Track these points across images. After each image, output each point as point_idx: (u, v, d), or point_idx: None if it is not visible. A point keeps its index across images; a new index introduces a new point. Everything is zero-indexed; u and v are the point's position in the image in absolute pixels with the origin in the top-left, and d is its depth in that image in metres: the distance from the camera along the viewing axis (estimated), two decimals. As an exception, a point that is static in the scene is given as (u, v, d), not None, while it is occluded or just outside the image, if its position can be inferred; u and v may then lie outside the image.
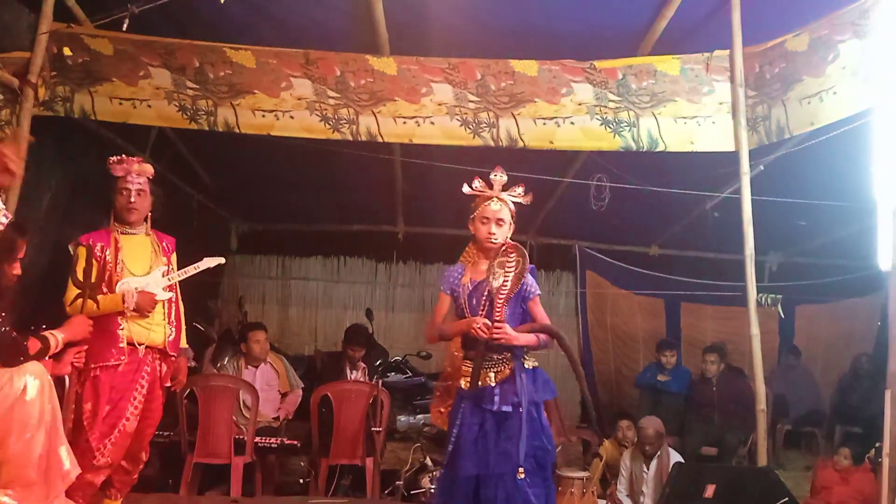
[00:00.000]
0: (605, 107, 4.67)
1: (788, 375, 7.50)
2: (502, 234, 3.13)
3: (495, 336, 2.99)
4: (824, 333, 7.94)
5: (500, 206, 3.13)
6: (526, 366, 3.09)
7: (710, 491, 4.48)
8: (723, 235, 5.79)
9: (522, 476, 2.93)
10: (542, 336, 3.10)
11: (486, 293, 3.09)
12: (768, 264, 7.81)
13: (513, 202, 3.17)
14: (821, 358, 7.97)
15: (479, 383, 3.07)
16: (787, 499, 4.30)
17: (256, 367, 5.66)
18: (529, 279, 3.12)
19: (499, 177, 3.20)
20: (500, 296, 3.04)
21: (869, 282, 6.19)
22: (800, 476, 5.84)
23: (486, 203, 3.16)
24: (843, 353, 7.54)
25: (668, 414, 6.45)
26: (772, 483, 4.44)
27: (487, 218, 3.14)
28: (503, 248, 3.12)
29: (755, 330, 4.61)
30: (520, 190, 3.21)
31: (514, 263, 3.06)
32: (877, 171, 3.99)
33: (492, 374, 3.08)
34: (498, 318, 3.01)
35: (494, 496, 2.97)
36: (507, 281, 3.05)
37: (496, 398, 3.03)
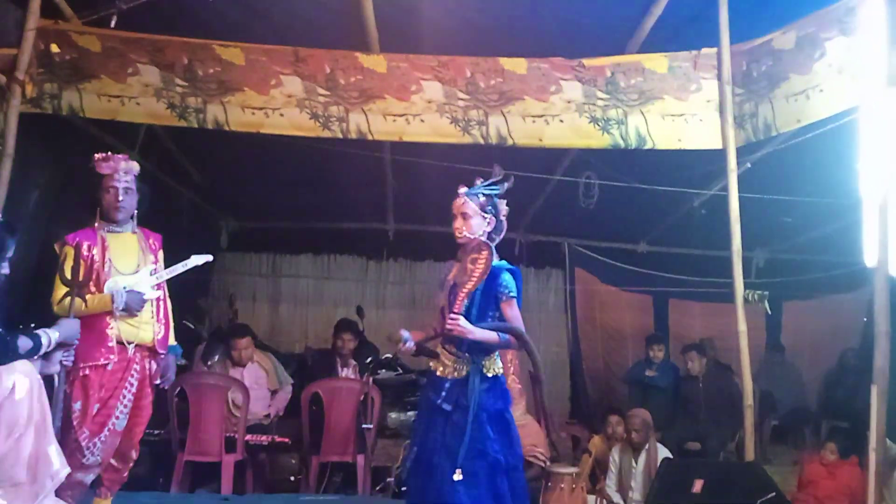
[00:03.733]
0: (594, 104, 4.70)
1: (775, 371, 7.56)
2: (470, 227, 3.16)
3: (448, 326, 3.03)
4: (811, 329, 7.99)
5: (462, 201, 3.19)
6: (486, 373, 3.11)
7: (698, 486, 4.52)
8: (710, 232, 5.83)
9: (459, 478, 2.95)
10: (505, 335, 3.10)
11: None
12: (755, 261, 7.85)
13: (483, 195, 3.19)
14: (807, 353, 8.02)
15: (438, 373, 3.15)
16: (774, 493, 4.35)
17: (243, 366, 5.66)
18: (504, 280, 3.12)
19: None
20: (463, 290, 3.11)
21: (855, 278, 6.25)
22: (787, 471, 5.87)
23: (454, 200, 3.23)
24: (830, 348, 7.59)
25: (656, 409, 6.48)
26: (759, 478, 4.48)
27: (454, 214, 3.21)
28: (477, 244, 3.15)
29: (742, 326, 4.65)
30: (479, 182, 3.22)
31: (483, 260, 3.11)
32: (862, 168, 4.03)
33: (451, 369, 3.12)
34: (455, 311, 3.06)
35: (433, 489, 3.02)
36: (472, 276, 3.10)
37: (443, 394, 3.09)
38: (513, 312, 3.14)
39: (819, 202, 5.70)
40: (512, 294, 3.13)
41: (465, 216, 3.18)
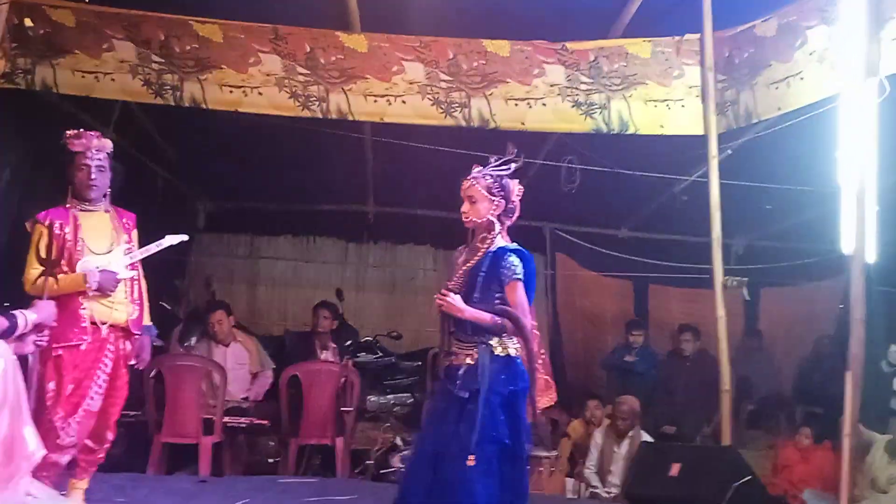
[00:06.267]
0: (577, 89, 4.69)
1: (752, 357, 7.63)
2: (478, 211, 3.07)
3: (438, 302, 2.98)
4: (788, 316, 8.07)
5: (469, 184, 3.09)
6: (497, 352, 3.00)
7: (675, 469, 4.57)
8: (691, 218, 5.86)
9: (472, 464, 2.85)
10: (498, 318, 2.98)
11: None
12: (734, 247, 7.88)
13: (490, 176, 3.08)
14: (784, 340, 8.09)
15: (451, 361, 3.07)
16: (749, 477, 4.40)
17: (227, 346, 5.62)
18: (508, 261, 3.02)
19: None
20: (462, 268, 3.06)
21: (832, 265, 6.29)
22: (762, 455, 5.94)
23: (462, 183, 3.13)
24: (806, 335, 7.66)
25: (634, 394, 6.54)
26: (735, 462, 4.54)
27: (462, 197, 3.12)
28: (487, 225, 3.07)
29: (721, 312, 4.69)
30: (493, 161, 3.11)
31: (490, 239, 3.05)
32: (841, 157, 4.06)
33: (463, 356, 3.04)
34: (448, 288, 3.01)
35: (444, 478, 2.92)
36: (474, 257, 3.05)
37: (458, 382, 3.00)
38: (516, 296, 3.01)
39: (798, 190, 5.73)
40: (516, 276, 3.01)
41: (471, 200, 3.08)
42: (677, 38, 4.71)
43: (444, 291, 3.01)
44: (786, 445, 5.66)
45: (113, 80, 4.58)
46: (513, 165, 3.11)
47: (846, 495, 3.81)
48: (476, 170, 3.14)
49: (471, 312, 2.99)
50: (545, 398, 5.23)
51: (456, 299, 2.99)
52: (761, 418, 7.34)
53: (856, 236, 3.83)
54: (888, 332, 5.70)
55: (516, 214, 3.16)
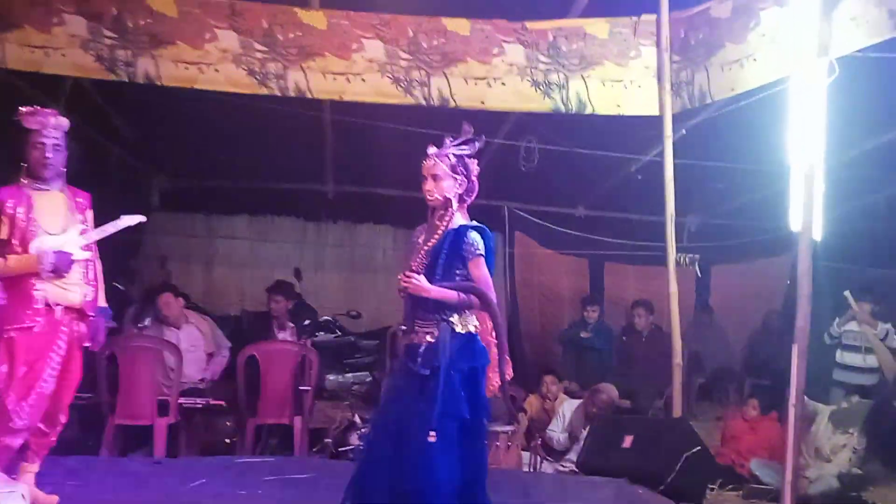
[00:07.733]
0: (536, 68, 4.72)
1: (703, 332, 7.83)
2: (442, 189, 3.06)
3: (403, 284, 2.99)
4: (737, 292, 8.27)
5: (433, 162, 3.08)
6: (458, 330, 3.04)
7: (628, 441, 4.69)
8: (646, 197, 5.95)
9: (433, 440, 2.88)
10: (464, 295, 3.01)
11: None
12: (687, 226, 8.05)
13: (454, 155, 3.08)
14: (734, 315, 8.30)
15: (411, 339, 3.08)
16: (699, 447, 4.54)
17: (178, 328, 5.54)
18: (471, 238, 3.04)
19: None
20: (425, 247, 3.06)
21: (780, 243, 6.47)
22: (711, 426, 6.13)
23: (424, 161, 3.12)
24: (755, 310, 7.88)
25: (589, 368, 6.68)
26: (686, 433, 4.68)
27: (424, 175, 3.11)
28: (444, 203, 3.07)
29: (673, 288, 4.80)
30: (448, 141, 3.11)
31: (448, 217, 3.05)
32: (791, 137, 4.17)
33: (423, 334, 3.05)
34: (412, 269, 3.01)
35: (405, 454, 2.95)
36: (437, 233, 3.06)
37: (419, 359, 3.01)
38: (479, 272, 3.04)
39: (749, 169, 5.87)
40: (479, 252, 3.04)
41: (435, 178, 3.06)
42: (634, 18, 4.75)
43: (407, 273, 3.01)
44: (734, 416, 5.84)
45: (64, 55, 4.44)
46: (476, 145, 3.13)
47: (791, 464, 3.95)
48: (432, 150, 3.12)
49: (437, 292, 2.99)
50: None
51: (421, 280, 2.98)
52: (711, 391, 7.57)
53: (804, 214, 3.94)
54: (833, 306, 5.91)
55: (475, 193, 3.17)
